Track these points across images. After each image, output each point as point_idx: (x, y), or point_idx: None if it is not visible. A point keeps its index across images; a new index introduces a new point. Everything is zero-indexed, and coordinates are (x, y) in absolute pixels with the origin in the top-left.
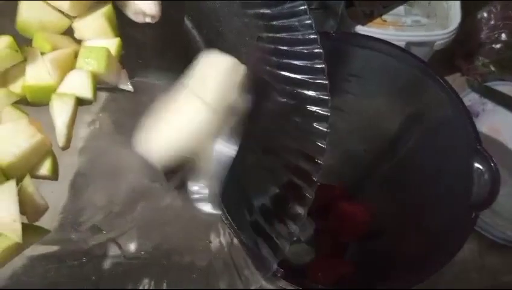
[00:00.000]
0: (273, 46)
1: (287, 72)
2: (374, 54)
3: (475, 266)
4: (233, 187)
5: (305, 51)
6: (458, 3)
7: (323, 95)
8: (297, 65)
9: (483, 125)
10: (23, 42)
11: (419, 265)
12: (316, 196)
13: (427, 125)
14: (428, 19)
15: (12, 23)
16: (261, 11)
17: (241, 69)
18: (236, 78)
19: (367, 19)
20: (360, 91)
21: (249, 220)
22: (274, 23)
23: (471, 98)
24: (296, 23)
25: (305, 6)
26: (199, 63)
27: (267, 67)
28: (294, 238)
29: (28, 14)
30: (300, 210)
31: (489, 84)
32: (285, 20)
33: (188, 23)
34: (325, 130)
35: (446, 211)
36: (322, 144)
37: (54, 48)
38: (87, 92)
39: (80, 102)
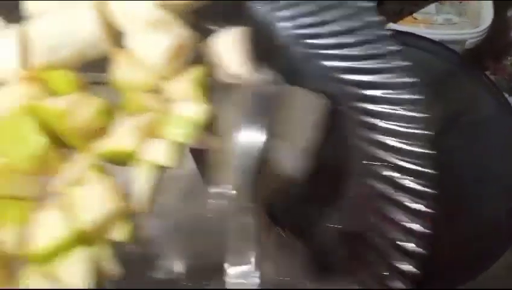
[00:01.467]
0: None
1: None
2: (408, 49)
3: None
4: None
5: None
6: (490, 1)
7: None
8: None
9: None
10: (115, 97)
11: (455, 270)
12: None
13: (467, 123)
14: (459, 17)
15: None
16: (359, 77)
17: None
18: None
19: (397, 17)
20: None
21: None
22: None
23: None
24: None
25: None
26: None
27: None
28: None
29: (120, 72)
30: None
31: None
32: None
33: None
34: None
35: (487, 214)
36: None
37: (143, 109)
38: (168, 162)
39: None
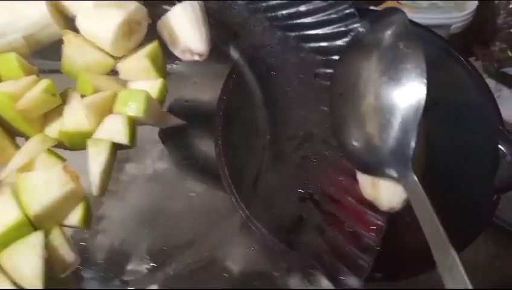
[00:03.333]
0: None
1: None
2: None
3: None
4: None
5: None
6: None
7: None
8: None
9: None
10: (70, 84)
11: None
12: None
13: (448, 107)
14: (444, 1)
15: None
16: (320, 44)
17: None
18: None
19: (381, 0)
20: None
21: None
22: (333, 57)
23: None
24: None
25: None
26: None
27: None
28: None
29: (72, 55)
30: None
31: (505, 70)
32: None
33: (239, 59)
34: None
35: (467, 196)
36: None
37: (97, 90)
38: (123, 138)
39: (119, 146)
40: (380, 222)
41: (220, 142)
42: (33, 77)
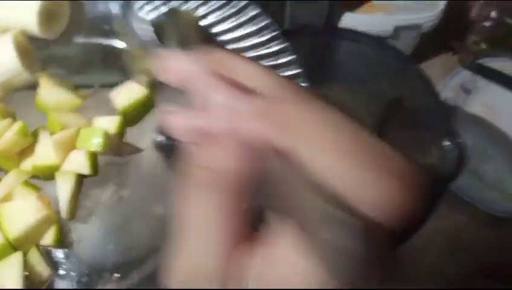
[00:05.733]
0: None
1: None
2: (358, 46)
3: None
4: None
5: None
6: None
7: None
8: None
9: (477, 103)
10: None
11: None
12: None
13: (404, 107)
14: (416, 2)
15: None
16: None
17: None
18: None
19: (356, 5)
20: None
21: None
22: None
23: (463, 76)
24: None
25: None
26: None
27: None
28: None
29: (45, 95)
30: None
31: (481, 61)
32: None
33: None
34: None
35: None
36: None
37: (64, 127)
38: (86, 170)
39: (84, 175)
40: None
41: None
42: (8, 121)
